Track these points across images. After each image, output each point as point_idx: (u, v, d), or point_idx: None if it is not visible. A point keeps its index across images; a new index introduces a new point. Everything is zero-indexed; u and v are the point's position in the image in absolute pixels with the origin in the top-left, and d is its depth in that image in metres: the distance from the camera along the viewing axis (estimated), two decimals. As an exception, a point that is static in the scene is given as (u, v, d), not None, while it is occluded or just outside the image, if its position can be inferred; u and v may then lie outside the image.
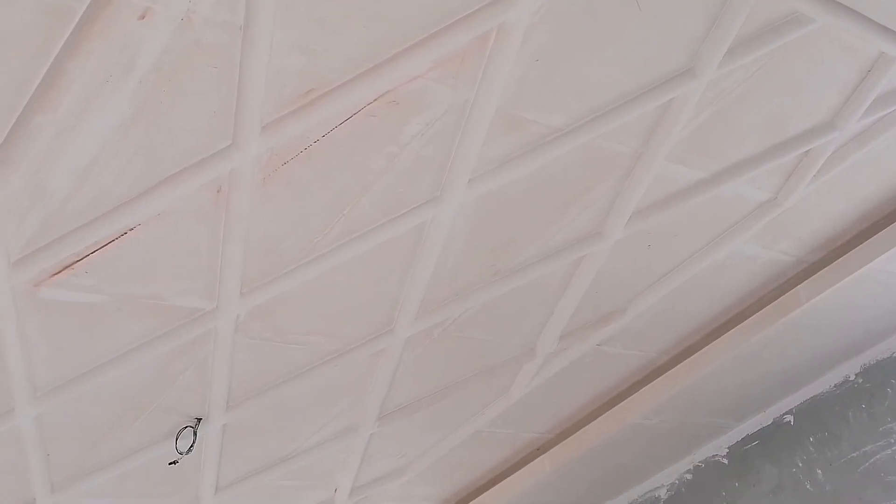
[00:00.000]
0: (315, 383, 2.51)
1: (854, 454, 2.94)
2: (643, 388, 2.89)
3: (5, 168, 1.64)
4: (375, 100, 1.75)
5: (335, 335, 2.35)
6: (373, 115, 1.78)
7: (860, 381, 2.95)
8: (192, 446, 2.54)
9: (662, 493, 3.35)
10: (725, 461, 3.21)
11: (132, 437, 2.49)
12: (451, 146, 1.91)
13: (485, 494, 3.28)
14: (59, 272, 1.88)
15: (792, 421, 3.07)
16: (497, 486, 3.25)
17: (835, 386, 3.00)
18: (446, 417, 2.85)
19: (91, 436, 2.44)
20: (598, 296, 2.51)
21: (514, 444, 3.09)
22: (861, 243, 2.53)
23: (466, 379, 2.70)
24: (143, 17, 1.49)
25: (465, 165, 1.96)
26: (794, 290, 2.62)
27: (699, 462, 3.27)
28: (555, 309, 2.52)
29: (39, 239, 1.80)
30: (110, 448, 2.50)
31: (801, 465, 3.02)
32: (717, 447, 3.22)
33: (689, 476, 3.29)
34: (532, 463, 3.16)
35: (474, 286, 2.33)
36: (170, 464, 2.61)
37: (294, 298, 2.17)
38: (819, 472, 2.98)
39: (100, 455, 2.52)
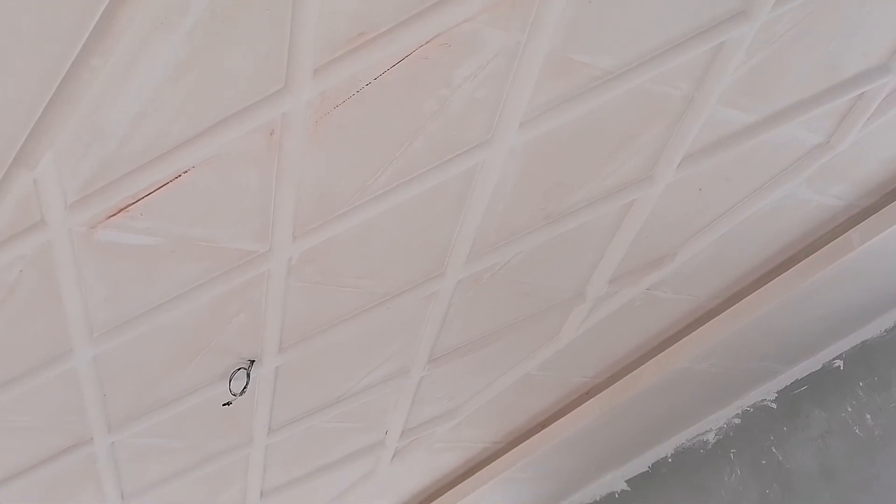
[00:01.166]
0: (366, 327, 2.53)
1: (905, 400, 2.94)
2: (692, 333, 2.88)
3: (62, 111, 1.66)
4: (427, 42, 1.75)
5: (386, 279, 2.37)
6: (424, 57, 1.77)
7: (912, 325, 2.94)
8: (245, 388, 2.59)
9: (710, 438, 3.36)
10: (774, 406, 3.20)
11: (187, 379, 2.54)
12: (503, 89, 1.91)
13: (533, 438, 3.31)
14: (115, 214, 1.91)
15: (842, 366, 3.05)
16: (545, 430, 3.27)
17: (885, 331, 2.97)
18: (496, 361, 2.87)
19: (147, 377, 2.49)
20: (649, 240, 2.50)
21: (563, 387, 3.11)
22: (916, 187, 2.50)
23: (516, 323, 2.72)
24: (196, -41, 1.49)
25: (516, 108, 1.96)
26: (845, 234, 2.59)
27: (748, 406, 3.26)
28: (605, 253, 2.52)
29: (95, 181, 1.83)
30: (166, 389, 2.56)
31: (850, 409, 3.01)
32: (766, 392, 3.21)
33: (737, 420, 3.29)
34: (581, 407, 3.18)
35: (524, 230, 2.33)
36: (224, 405, 2.66)
37: (346, 242, 2.19)
38: (868, 417, 2.97)
39: (155, 396, 2.58)
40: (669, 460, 3.48)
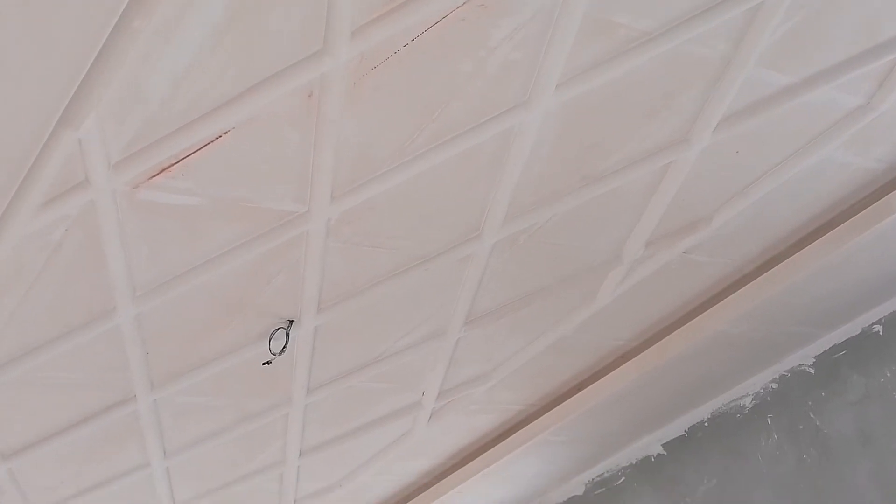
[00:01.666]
0: (403, 288, 2.56)
1: (944, 365, 2.92)
2: (729, 297, 2.88)
3: (105, 73, 1.69)
4: (464, 3, 1.75)
5: (423, 240, 2.39)
6: (462, 18, 1.78)
7: (953, 291, 2.91)
8: (284, 347, 2.63)
9: (747, 402, 3.36)
10: (812, 370, 3.19)
11: (228, 338, 2.59)
12: (539, 50, 1.91)
13: (569, 401, 3.33)
14: (157, 174, 1.94)
15: (881, 331, 3.04)
16: (581, 393, 3.29)
17: (926, 296, 2.95)
18: (532, 323, 2.88)
19: (188, 336, 2.54)
20: (685, 203, 2.50)
21: (599, 351, 3.12)
22: (959, 149, 2.47)
23: (552, 285, 2.73)
24: (235, -80, 1.51)
25: (552, 70, 1.96)
26: (885, 197, 2.57)
27: (785, 371, 3.26)
28: (641, 216, 2.52)
29: (138, 142, 1.86)
30: (207, 348, 2.60)
31: (889, 375, 2.99)
32: (804, 356, 3.20)
33: (774, 385, 3.29)
34: (617, 370, 3.18)
35: (561, 192, 2.34)
36: (263, 364, 2.70)
37: (383, 203, 2.21)
38: (907, 382, 2.97)
39: (197, 355, 2.62)
40: (706, 424, 3.49)
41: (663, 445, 3.63)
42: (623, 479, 3.76)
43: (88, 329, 2.38)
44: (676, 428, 3.58)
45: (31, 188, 1.91)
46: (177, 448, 3.08)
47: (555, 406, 3.36)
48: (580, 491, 3.94)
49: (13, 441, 2.81)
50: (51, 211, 1.97)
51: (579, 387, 3.29)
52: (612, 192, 2.38)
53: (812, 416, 3.18)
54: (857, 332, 3.09)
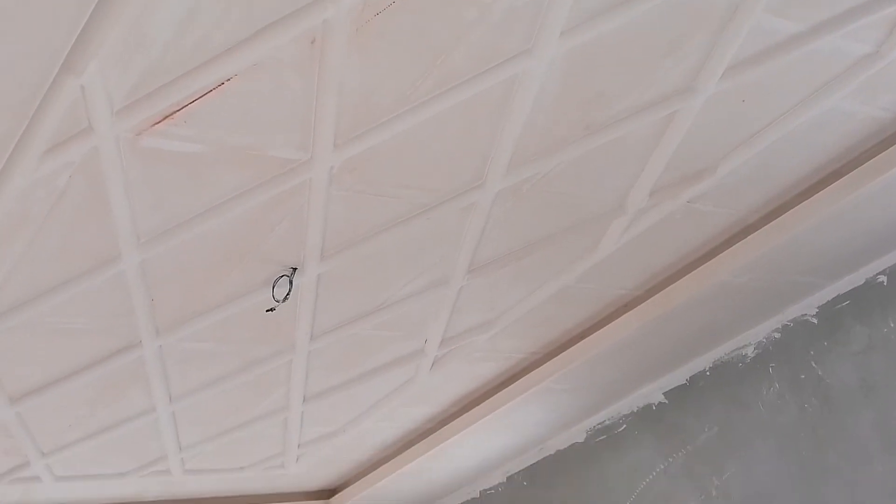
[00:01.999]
0: (406, 236, 2.56)
1: (948, 316, 2.93)
2: (733, 247, 2.87)
3: (108, 18, 1.68)
4: (468, -52, 1.74)
5: (426, 189, 2.39)
6: (465, -37, 1.77)
7: (958, 243, 2.90)
8: (288, 295, 2.64)
9: (749, 352, 3.37)
10: (815, 320, 3.20)
11: (231, 285, 2.60)
12: (544, -4, 1.90)
13: (571, 349, 3.34)
14: (160, 122, 1.94)
15: (885, 281, 3.04)
16: (583, 342, 3.30)
17: (932, 247, 2.95)
18: (534, 272, 2.89)
19: (193, 282, 2.55)
20: (690, 152, 2.49)
21: (601, 300, 3.13)
22: (968, 99, 2.45)
23: (555, 234, 2.73)
24: None
25: (557, 16, 1.94)
26: (892, 147, 2.56)
27: (788, 321, 3.27)
28: (645, 165, 2.51)
29: (140, 88, 1.85)
30: (211, 295, 2.61)
31: (892, 325, 3.00)
32: (807, 306, 3.21)
33: (777, 335, 3.30)
34: (619, 319, 3.20)
35: (564, 141, 2.33)
36: (267, 311, 2.72)
37: (386, 151, 2.21)
38: (910, 333, 2.98)
39: (201, 301, 2.64)
40: (707, 373, 3.51)
41: (665, 394, 3.66)
42: (624, 426, 3.80)
43: (93, 275, 2.39)
44: (678, 377, 3.60)
45: (34, 135, 1.91)
46: (182, 393, 3.11)
47: (557, 354, 3.38)
48: (581, 438, 3.97)
49: (21, 385, 2.84)
50: (54, 158, 1.97)
51: (582, 335, 3.30)
52: (617, 141, 2.38)
53: (814, 365, 3.20)
54: (862, 283, 3.10)
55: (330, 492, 4.44)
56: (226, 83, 1.88)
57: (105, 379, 2.90)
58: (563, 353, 3.36)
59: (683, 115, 2.33)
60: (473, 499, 4.47)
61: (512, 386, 3.53)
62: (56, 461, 3.37)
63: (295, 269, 2.58)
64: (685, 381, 3.59)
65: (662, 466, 3.64)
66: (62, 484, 3.56)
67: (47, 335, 2.62)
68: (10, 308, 2.45)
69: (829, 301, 3.17)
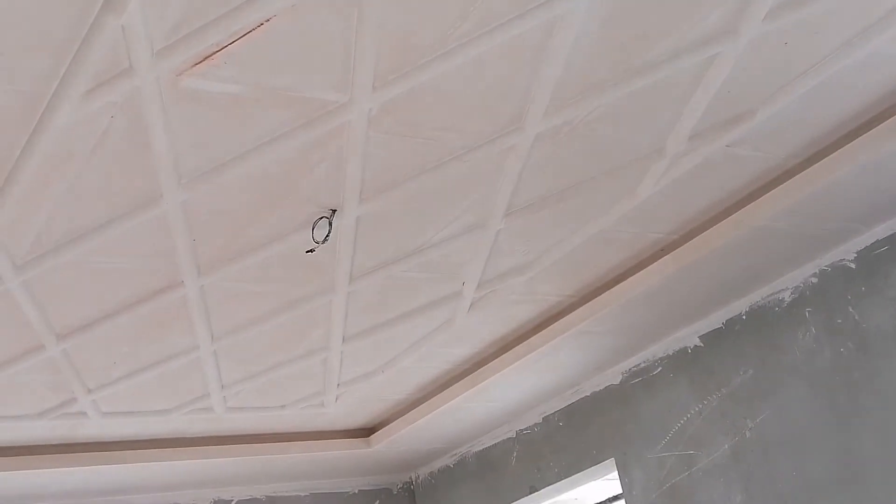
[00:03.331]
0: (444, 179, 2.57)
1: None
2: (772, 191, 2.86)
3: (148, -41, 1.69)
4: None
5: (465, 131, 2.40)
6: None
7: None
8: (327, 236, 2.67)
9: (786, 296, 3.37)
10: (853, 265, 3.18)
11: (272, 226, 2.63)
12: (584, -64, 1.88)
13: (607, 293, 3.35)
14: (200, 62, 1.96)
15: (925, 227, 3.02)
16: (620, 285, 3.31)
17: (973, 192, 2.91)
18: (572, 216, 2.89)
19: (233, 223, 2.58)
20: (730, 96, 2.47)
21: (639, 243, 3.13)
22: None
23: (593, 178, 2.73)
24: None
25: (597, -43, 1.93)
26: (937, 91, 2.53)
27: (825, 266, 3.25)
28: (685, 108, 2.49)
29: (180, 29, 1.87)
30: (252, 235, 2.65)
31: (931, 271, 2.98)
32: (845, 251, 3.19)
33: (814, 280, 3.29)
34: (655, 263, 3.20)
35: (604, 83, 2.32)
36: (307, 252, 2.75)
37: (425, 93, 2.21)
38: (950, 277, 2.96)
39: (242, 242, 2.67)
40: (743, 318, 3.51)
41: (700, 337, 3.66)
42: (659, 369, 3.82)
43: (136, 215, 2.44)
44: (714, 321, 3.61)
45: (75, 75, 1.94)
46: (224, 332, 3.17)
47: (593, 297, 3.39)
48: (616, 380, 4.00)
49: (67, 323, 2.91)
50: (96, 98, 2.00)
51: (618, 279, 3.31)
52: (656, 84, 2.36)
53: (851, 310, 3.19)
54: (901, 227, 3.07)
55: (368, 430, 4.52)
56: (265, 23, 1.89)
57: (149, 318, 2.96)
58: (600, 297, 3.37)
59: (725, 58, 2.31)
60: (510, 438, 4.53)
61: (548, 328, 3.56)
62: (102, 397, 3.45)
63: (334, 211, 2.60)
64: (721, 325, 3.59)
65: (697, 408, 3.66)
66: (108, 420, 3.65)
67: (91, 274, 2.68)
68: (55, 248, 2.50)
69: (867, 246, 3.15)
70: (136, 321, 2.95)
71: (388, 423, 4.41)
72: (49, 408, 3.44)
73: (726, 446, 3.54)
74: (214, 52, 1.94)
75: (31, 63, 1.89)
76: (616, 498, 4.13)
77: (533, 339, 3.61)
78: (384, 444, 4.47)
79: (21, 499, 4.13)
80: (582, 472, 4.16)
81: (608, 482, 4.29)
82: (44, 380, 3.20)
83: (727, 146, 2.66)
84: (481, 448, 4.69)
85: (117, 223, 2.46)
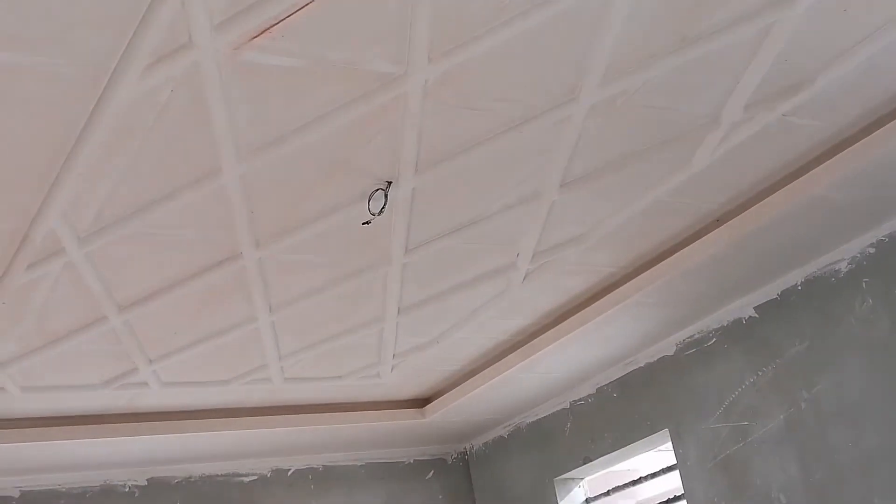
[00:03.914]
0: (499, 150, 2.58)
1: None
2: (829, 160, 2.82)
3: (208, -66, 1.72)
4: None
5: (520, 102, 2.40)
6: None
7: None
8: (383, 208, 2.69)
9: (843, 267, 3.33)
10: (912, 235, 3.15)
11: (328, 198, 2.66)
12: None
13: (662, 264, 3.34)
14: (258, 35, 1.98)
15: None
16: (674, 256, 3.30)
17: None
18: (627, 187, 2.89)
19: (291, 195, 2.62)
20: (788, 64, 2.44)
21: (694, 214, 3.11)
22: None
23: (648, 149, 2.72)
24: None
25: (653, -75, 1.92)
26: None
27: (883, 236, 3.21)
28: (741, 77, 2.47)
29: (238, 2, 1.90)
30: (309, 207, 2.68)
31: None
32: (904, 221, 3.16)
33: (871, 250, 3.25)
34: (711, 234, 3.18)
35: (660, 53, 2.31)
36: (363, 224, 2.78)
37: (480, 65, 2.22)
38: None
39: (299, 214, 2.71)
40: (799, 288, 3.49)
41: (755, 308, 3.64)
42: (714, 340, 3.81)
43: (196, 188, 2.48)
44: (769, 291, 3.58)
45: (136, 50, 1.97)
46: (281, 303, 3.21)
47: (648, 268, 3.38)
48: (671, 351, 3.99)
49: (129, 294, 2.97)
50: (156, 72, 2.04)
51: (673, 250, 3.30)
52: (713, 53, 2.34)
53: (910, 281, 3.15)
54: (962, 197, 3.03)
55: (423, 401, 4.56)
56: (322, -4, 1.91)
57: (208, 289, 3.01)
58: (654, 268, 3.36)
59: (782, 25, 2.28)
60: (563, 409, 4.55)
61: (603, 299, 3.56)
62: (162, 368, 3.52)
63: (390, 183, 2.63)
64: (776, 296, 3.57)
65: (751, 380, 3.65)
66: (168, 390, 3.73)
67: (152, 246, 2.73)
68: (116, 220, 2.56)
69: (927, 215, 3.11)
70: (196, 293, 3.01)
71: (442, 394, 4.45)
72: (112, 377, 3.52)
73: (781, 417, 3.52)
74: (272, 26, 1.96)
75: (93, 39, 1.92)
76: (670, 469, 4.12)
77: (587, 310, 3.62)
78: (439, 415, 4.52)
79: (85, 467, 4.24)
80: (636, 443, 4.16)
81: (662, 453, 4.29)
82: (106, 350, 3.28)
83: (784, 115, 2.63)
84: (535, 419, 4.71)
85: (177, 196, 2.50)
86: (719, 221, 3.15)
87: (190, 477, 4.54)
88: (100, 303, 2.96)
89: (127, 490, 4.40)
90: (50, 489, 4.24)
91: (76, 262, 2.70)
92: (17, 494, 4.19)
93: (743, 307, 3.68)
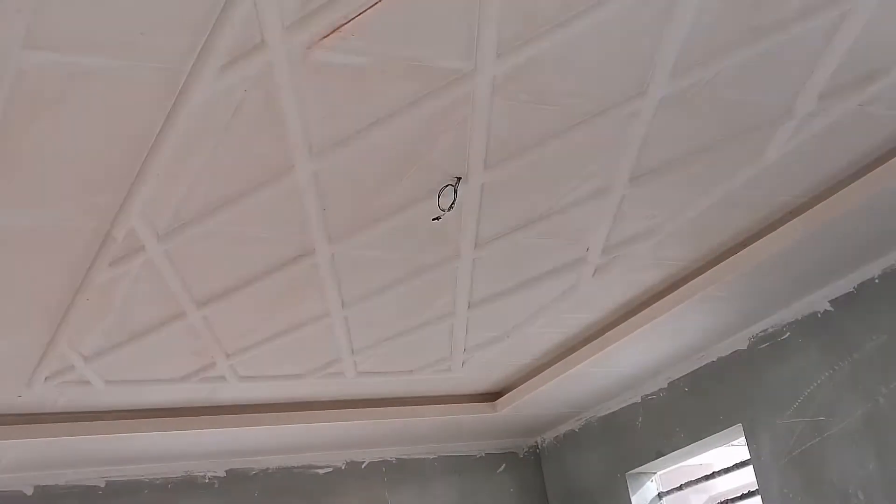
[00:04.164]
0: (569, 145, 2.58)
1: None
2: (907, 151, 2.79)
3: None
4: None
5: (589, 96, 2.40)
6: None
7: None
8: (453, 204, 2.71)
9: (922, 259, 3.28)
10: None
11: (399, 194, 2.69)
12: None
13: (734, 257, 3.31)
14: (328, 35, 2.02)
15: None
16: (747, 249, 3.26)
17: None
18: (698, 180, 2.87)
19: (362, 192, 2.65)
20: (863, 53, 2.40)
21: (767, 206, 3.08)
22: None
23: (719, 141, 2.70)
24: None
25: (722, -84, 1.90)
26: None
27: (964, 227, 3.15)
28: (815, 67, 2.44)
29: (310, 2, 1.93)
30: (379, 203, 2.71)
31: None
32: None
33: (952, 241, 3.19)
34: (784, 226, 3.14)
35: (731, 44, 2.29)
36: (433, 220, 2.80)
37: (549, 60, 2.22)
38: None
39: (370, 210, 2.74)
40: (876, 281, 3.43)
41: (830, 302, 3.59)
42: (788, 334, 3.76)
43: (270, 186, 2.52)
44: (845, 284, 3.53)
45: (211, 51, 2.02)
46: (354, 299, 3.26)
47: (720, 262, 3.35)
48: (744, 346, 3.96)
49: (207, 290, 3.03)
50: (231, 73, 2.09)
51: (745, 243, 3.27)
52: (785, 43, 2.32)
53: None
54: None
55: (494, 395, 4.57)
56: (392, -6, 1.94)
57: (282, 285, 3.06)
58: (726, 261, 3.33)
59: (857, 14, 2.25)
60: (635, 404, 4.53)
61: (674, 293, 3.54)
62: (239, 362, 3.59)
63: (459, 179, 2.64)
64: (852, 289, 3.51)
65: (827, 374, 3.60)
66: (245, 384, 3.80)
67: (228, 244, 2.79)
68: (194, 218, 2.62)
69: None
70: (271, 288, 3.06)
71: (513, 388, 4.46)
72: (191, 372, 3.60)
73: (858, 413, 3.47)
74: (342, 25, 1.99)
75: (169, 42, 1.97)
76: (743, 464, 4.08)
77: (658, 304, 3.60)
78: (510, 409, 4.53)
79: (167, 458, 4.34)
80: (708, 438, 4.14)
81: (735, 448, 4.25)
82: (186, 345, 3.35)
83: (859, 105, 2.59)
84: (606, 413, 4.70)
85: (252, 194, 2.55)
86: (793, 214, 3.11)
87: (267, 469, 4.63)
88: (179, 299, 3.03)
89: (207, 481, 4.50)
90: (134, 479, 4.36)
91: (155, 260, 2.77)
92: (102, 484, 4.31)
93: (818, 301, 3.63)
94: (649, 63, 2.31)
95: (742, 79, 2.42)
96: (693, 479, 4.45)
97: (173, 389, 3.73)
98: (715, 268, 3.37)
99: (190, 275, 2.91)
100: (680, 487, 4.51)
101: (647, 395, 4.46)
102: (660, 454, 4.37)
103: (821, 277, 3.50)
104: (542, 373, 4.24)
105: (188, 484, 4.46)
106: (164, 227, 2.63)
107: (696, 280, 3.45)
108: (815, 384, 3.63)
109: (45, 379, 3.40)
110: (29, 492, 4.19)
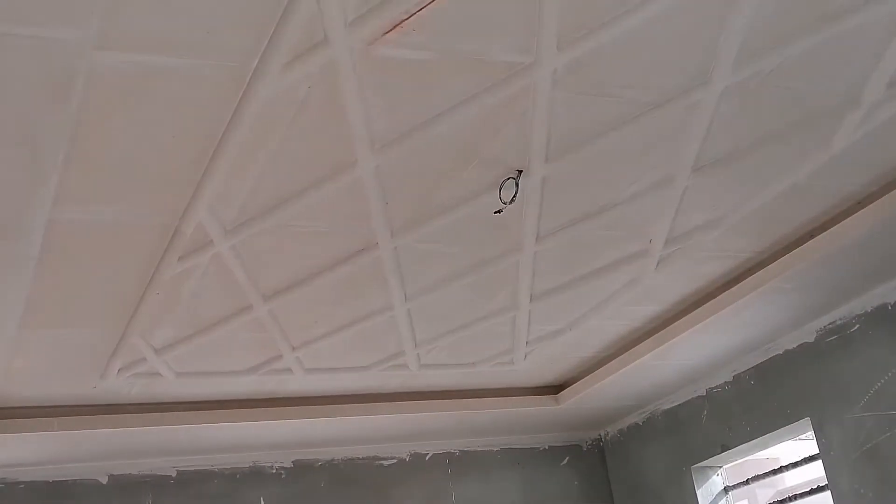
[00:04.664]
0: (630, 136, 2.57)
1: None
2: (980, 138, 2.73)
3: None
4: None
5: (650, 87, 2.39)
6: None
7: None
8: (514, 197, 2.72)
9: None
10: None
11: (460, 188, 2.70)
12: None
13: (800, 248, 3.27)
14: (390, 30, 2.03)
15: None
16: (814, 240, 3.22)
17: None
18: (763, 170, 2.84)
19: (424, 186, 2.67)
20: (932, 39, 2.36)
21: (834, 196, 3.04)
22: None
23: (785, 130, 2.67)
24: None
25: None
26: None
27: None
28: (884, 54, 2.39)
29: (371, -1, 1.96)
30: (441, 197, 2.73)
31: None
32: None
33: None
34: (852, 217, 3.09)
35: (795, 32, 2.26)
36: (495, 213, 2.81)
37: (609, 51, 2.22)
38: None
39: (432, 203, 2.76)
40: (948, 272, 3.37)
41: (902, 293, 3.54)
42: (857, 326, 3.70)
43: (333, 180, 2.56)
44: (916, 275, 3.47)
45: (276, 49, 2.05)
46: (417, 292, 3.28)
47: (786, 253, 3.32)
48: (811, 338, 3.91)
49: (272, 284, 3.08)
50: (295, 70, 2.12)
51: (812, 233, 3.23)
52: (852, 31, 2.28)
53: None
54: None
55: (557, 387, 4.57)
56: (453, -11, 1.95)
57: (346, 278, 3.10)
58: (793, 252, 3.29)
59: (926, -1, 2.21)
60: (699, 396, 4.50)
61: (739, 285, 3.50)
62: (305, 354, 3.64)
63: (521, 172, 2.65)
64: (924, 281, 3.46)
65: (898, 367, 3.54)
66: (311, 376, 3.85)
67: (293, 238, 2.83)
68: (259, 213, 2.66)
69: None
70: (335, 282, 3.10)
71: (576, 381, 4.45)
72: (258, 364, 3.66)
73: (931, 406, 3.41)
74: (403, 20, 2.01)
75: (235, 39, 2.01)
76: (812, 458, 4.03)
77: (722, 296, 3.57)
78: (572, 402, 4.53)
79: (236, 448, 4.42)
80: (775, 432, 4.09)
81: (803, 442, 4.20)
82: (253, 338, 3.41)
83: (929, 93, 2.55)
84: (670, 406, 4.68)
85: (316, 188, 2.58)
86: (861, 204, 3.06)
87: (332, 460, 4.69)
88: (245, 292, 3.08)
89: (274, 471, 4.58)
90: (204, 469, 4.46)
91: (223, 254, 2.82)
92: (174, 474, 4.41)
93: (888, 292, 3.57)
94: (712, 52, 2.29)
95: (807, 67, 2.39)
96: (760, 473, 4.41)
97: (241, 381, 3.79)
98: (780, 259, 3.33)
99: (256, 268, 2.96)
100: (747, 481, 4.47)
101: (712, 388, 4.42)
102: (725, 448, 4.34)
103: (890, 268, 3.45)
104: (605, 366, 4.23)
105: (256, 474, 4.54)
106: (230, 222, 2.68)
107: (761, 272, 3.41)
108: (887, 377, 3.58)
109: (119, 370, 3.48)
110: (104, 480, 4.30)
